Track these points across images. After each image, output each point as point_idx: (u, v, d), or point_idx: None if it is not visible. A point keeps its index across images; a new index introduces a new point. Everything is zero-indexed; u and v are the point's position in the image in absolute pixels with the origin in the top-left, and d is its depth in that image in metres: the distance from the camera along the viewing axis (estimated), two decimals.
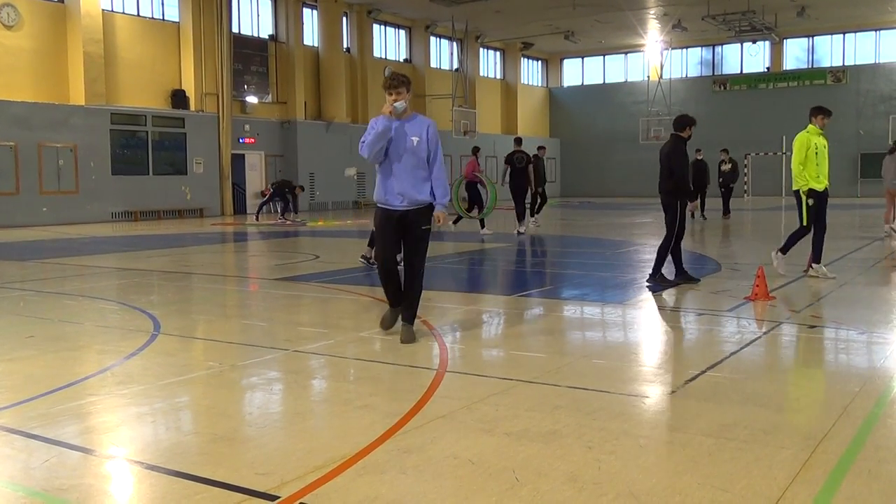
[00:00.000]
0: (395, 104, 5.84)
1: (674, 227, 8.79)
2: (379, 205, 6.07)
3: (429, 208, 6.07)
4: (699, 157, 21.43)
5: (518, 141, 18.17)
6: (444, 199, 6.06)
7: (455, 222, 17.39)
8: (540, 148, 19.56)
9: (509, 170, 17.61)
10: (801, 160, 9.11)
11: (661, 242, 8.92)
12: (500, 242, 15.42)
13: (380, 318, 6.39)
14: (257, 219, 23.59)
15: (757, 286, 7.69)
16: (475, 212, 17.77)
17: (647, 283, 8.82)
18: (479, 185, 17.77)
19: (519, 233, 16.92)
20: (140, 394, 4.66)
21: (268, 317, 7.61)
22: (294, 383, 4.96)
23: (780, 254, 9.40)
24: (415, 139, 5.93)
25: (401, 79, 5.90)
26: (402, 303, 6.12)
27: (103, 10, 24.56)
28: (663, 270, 8.88)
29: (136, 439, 3.89)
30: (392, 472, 3.35)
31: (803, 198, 9.18)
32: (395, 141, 5.93)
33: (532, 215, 18.95)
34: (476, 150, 18.34)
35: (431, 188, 6.05)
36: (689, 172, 8.99)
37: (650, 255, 12.55)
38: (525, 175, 17.38)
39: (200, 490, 3.19)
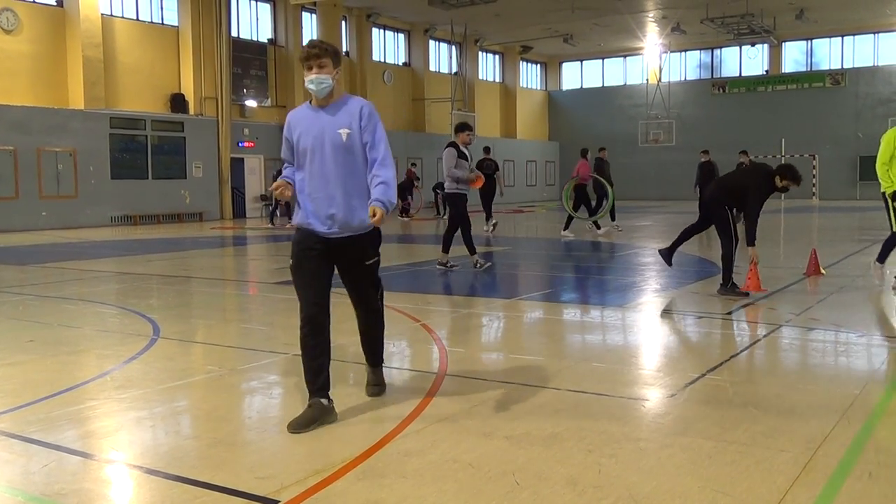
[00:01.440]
0: (315, 78, 4.15)
1: (730, 233, 8.12)
2: (300, 228, 4.32)
3: (373, 235, 4.34)
4: (705, 159, 20.82)
5: (487, 150, 20.00)
6: (387, 196, 4.13)
7: (566, 227, 17.47)
8: (601, 149, 19.26)
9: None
10: (886, 160, 8.39)
11: (722, 251, 8.20)
12: (498, 246, 15.42)
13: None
14: (272, 223, 23.56)
15: (749, 278, 7.70)
16: (578, 213, 18.04)
17: (719, 292, 8.17)
18: (587, 187, 18.09)
19: (487, 230, 18.47)
20: (139, 398, 4.66)
21: (267, 321, 7.61)
22: (293, 387, 4.95)
23: (877, 263, 8.90)
24: (343, 132, 4.15)
25: (324, 47, 4.19)
26: (364, 344, 4.68)
27: (102, 14, 24.58)
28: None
29: (135, 443, 3.89)
30: (392, 475, 3.35)
31: (889, 201, 8.48)
32: (316, 138, 4.17)
33: (612, 219, 18.81)
34: (585, 152, 18.49)
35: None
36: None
37: (649, 259, 12.54)
38: (493, 181, 19.07)
39: (200, 494, 3.19)
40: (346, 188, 4.17)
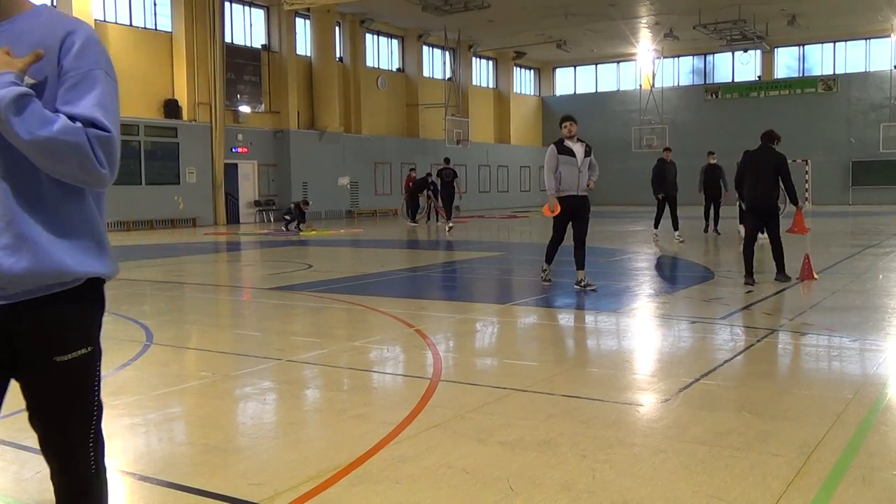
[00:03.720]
0: None
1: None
2: None
3: (86, 292, 2.23)
4: (712, 162, 20.11)
5: (447, 160, 23.83)
6: (41, 130, 1.82)
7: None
8: (666, 150, 18.07)
9: (440, 181, 23.21)
10: None
11: (778, 244, 9.47)
12: (492, 251, 15.42)
13: None
14: (293, 229, 23.23)
15: (799, 222, 8.69)
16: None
17: (780, 280, 9.37)
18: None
19: (449, 229, 21.28)
20: (133, 404, 4.63)
21: (261, 326, 7.59)
22: (287, 393, 4.94)
23: None
24: (24, 80, 1.89)
25: None
26: None
27: (96, 20, 24.51)
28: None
29: (128, 450, 3.87)
30: (386, 481, 3.34)
31: None
32: None
33: (656, 226, 17.18)
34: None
35: (90, 229, 2.17)
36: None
37: (644, 263, 12.58)
38: (452, 186, 22.85)
39: (193, 501, 3.18)
40: (21, 201, 1.98)
